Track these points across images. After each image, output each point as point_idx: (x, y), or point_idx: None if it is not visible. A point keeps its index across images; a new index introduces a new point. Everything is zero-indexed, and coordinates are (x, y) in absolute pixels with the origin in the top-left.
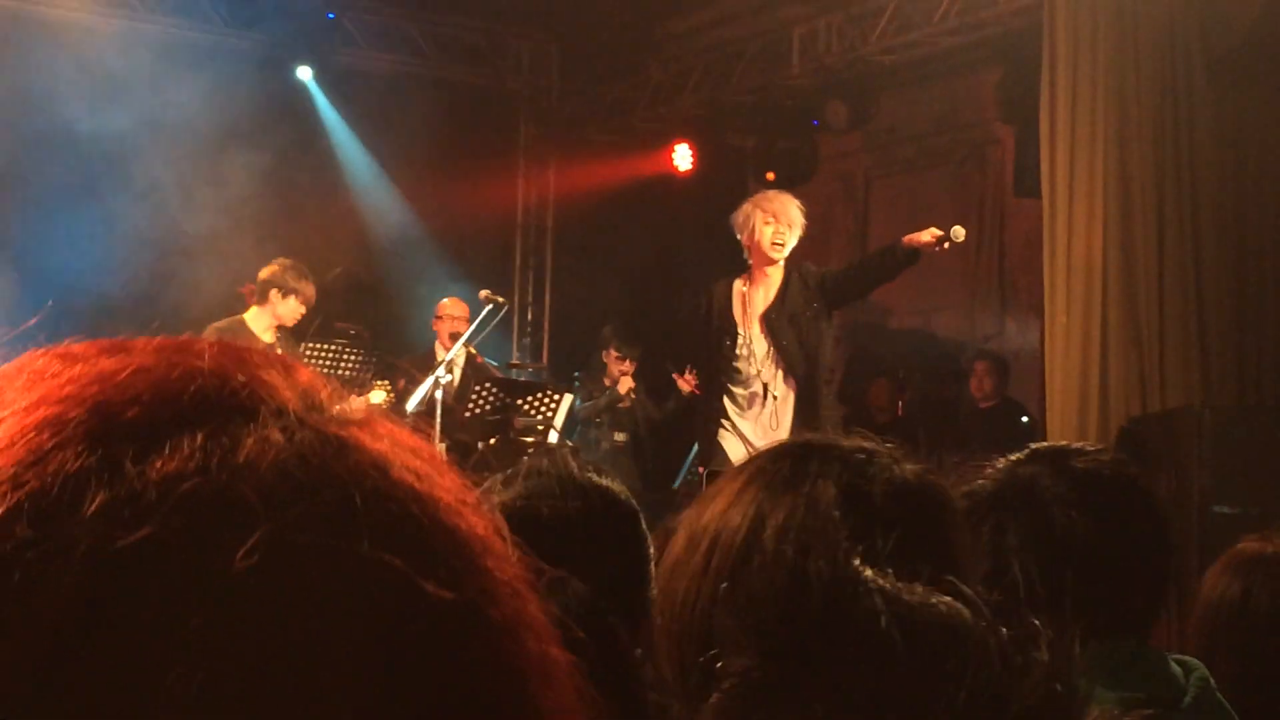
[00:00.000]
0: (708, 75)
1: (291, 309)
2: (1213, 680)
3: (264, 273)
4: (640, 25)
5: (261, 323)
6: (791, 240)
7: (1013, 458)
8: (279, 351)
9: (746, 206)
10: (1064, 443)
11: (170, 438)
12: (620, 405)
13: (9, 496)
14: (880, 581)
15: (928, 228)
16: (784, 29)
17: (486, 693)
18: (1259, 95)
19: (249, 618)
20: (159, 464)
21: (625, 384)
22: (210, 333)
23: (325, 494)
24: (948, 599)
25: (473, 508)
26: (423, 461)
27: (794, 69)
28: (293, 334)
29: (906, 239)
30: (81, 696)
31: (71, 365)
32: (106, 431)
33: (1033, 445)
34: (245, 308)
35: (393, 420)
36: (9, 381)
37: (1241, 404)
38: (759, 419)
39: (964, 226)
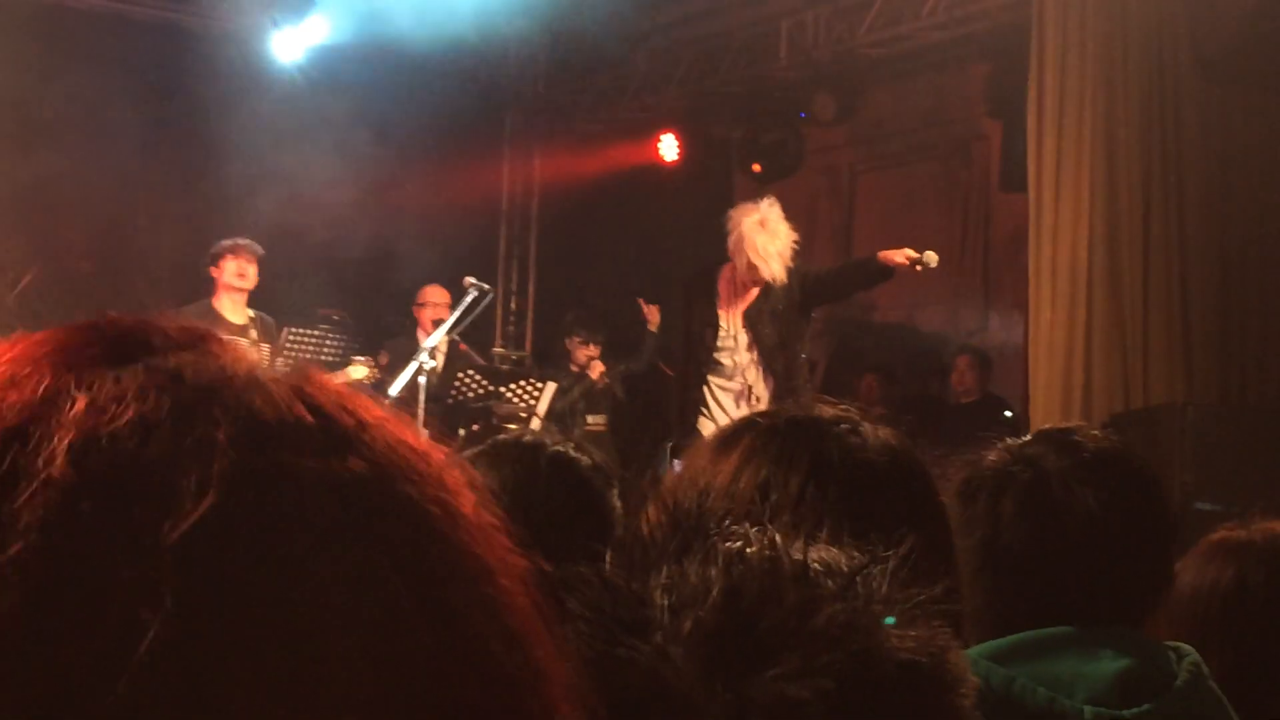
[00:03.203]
0: (694, 66)
1: (237, 266)
2: (1205, 666)
3: (204, 265)
4: (627, 15)
5: (229, 304)
6: (769, 275)
7: (1019, 440)
8: (254, 335)
9: (746, 228)
10: (1069, 425)
11: (139, 361)
12: (595, 388)
13: None
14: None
15: (908, 237)
16: (772, 21)
17: (461, 570)
18: (1247, 94)
19: (237, 483)
20: (133, 377)
21: (597, 368)
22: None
23: (296, 403)
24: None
25: (436, 445)
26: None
27: (781, 61)
28: (273, 320)
29: (882, 255)
30: (79, 561)
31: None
32: (75, 361)
33: (1040, 429)
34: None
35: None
36: None
37: (1225, 401)
38: (738, 414)
39: (949, 221)
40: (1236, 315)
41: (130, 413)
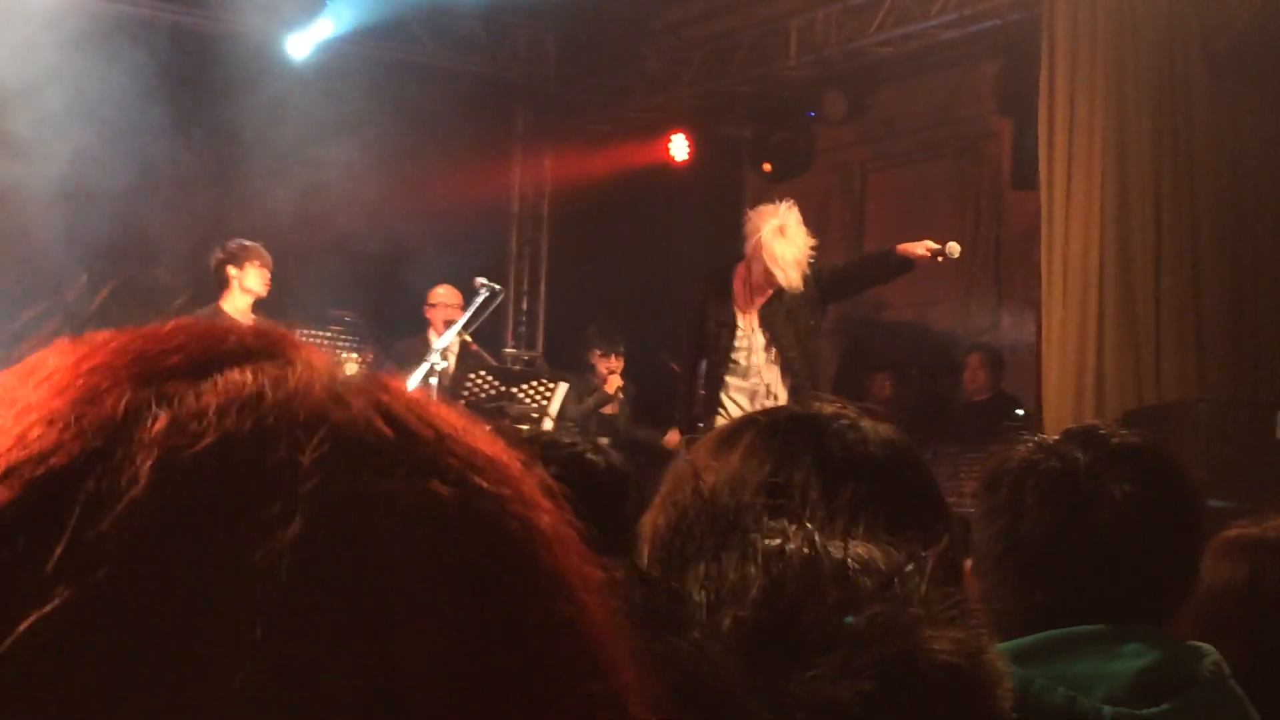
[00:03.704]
0: (705, 65)
1: (255, 276)
2: (1226, 665)
3: (212, 261)
4: (637, 15)
5: (236, 306)
6: (785, 283)
7: (1049, 437)
8: None
9: (765, 236)
10: (1095, 423)
11: (219, 374)
12: (605, 410)
13: (73, 425)
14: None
15: (921, 231)
16: (782, 20)
17: (540, 593)
18: (1258, 90)
19: (320, 505)
20: (214, 392)
21: (613, 382)
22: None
23: (376, 417)
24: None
25: (508, 449)
26: (456, 413)
27: (791, 60)
28: (279, 320)
29: (901, 248)
30: (162, 585)
31: (95, 344)
32: (155, 373)
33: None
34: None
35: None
36: (44, 358)
37: (1237, 398)
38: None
39: (961, 219)
40: (1249, 311)
41: (213, 433)
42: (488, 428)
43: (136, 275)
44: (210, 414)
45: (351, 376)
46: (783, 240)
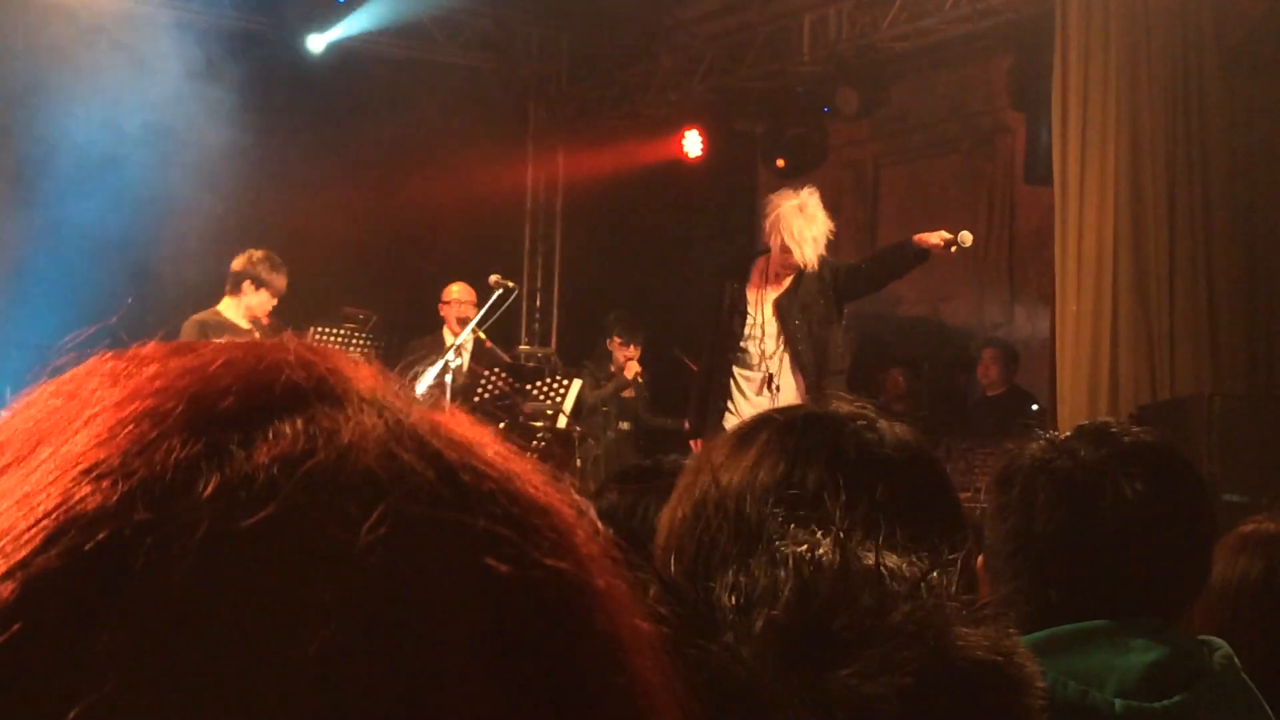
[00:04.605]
0: (718, 61)
1: (262, 301)
2: (1237, 659)
3: (236, 263)
4: (650, 11)
5: (237, 312)
6: (801, 259)
7: (1060, 435)
8: (257, 336)
9: (784, 211)
10: (1106, 419)
11: (270, 424)
12: (624, 394)
13: (121, 484)
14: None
15: (934, 224)
16: (795, 16)
17: (595, 659)
18: (1271, 84)
19: (375, 591)
20: (265, 448)
21: (632, 369)
22: (190, 325)
23: (430, 471)
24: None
25: (555, 486)
26: (503, 445)
27: (804, 55)
28: (288, 320)
29: (917, 238)
30: (211, 674)
31: (146, 365)
32: (206, 421)
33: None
34: (220, 299)
35: (455, 408)
36: (83, 383)
37: (1251, 392)
38: (762, 408)
39: (974, 214)
40: (1263, 305)
41: (263, 505)
42: (538, 466)
43: (156, 271)
44: (260, 479)
45: (405, 416)
46: (801, 217)
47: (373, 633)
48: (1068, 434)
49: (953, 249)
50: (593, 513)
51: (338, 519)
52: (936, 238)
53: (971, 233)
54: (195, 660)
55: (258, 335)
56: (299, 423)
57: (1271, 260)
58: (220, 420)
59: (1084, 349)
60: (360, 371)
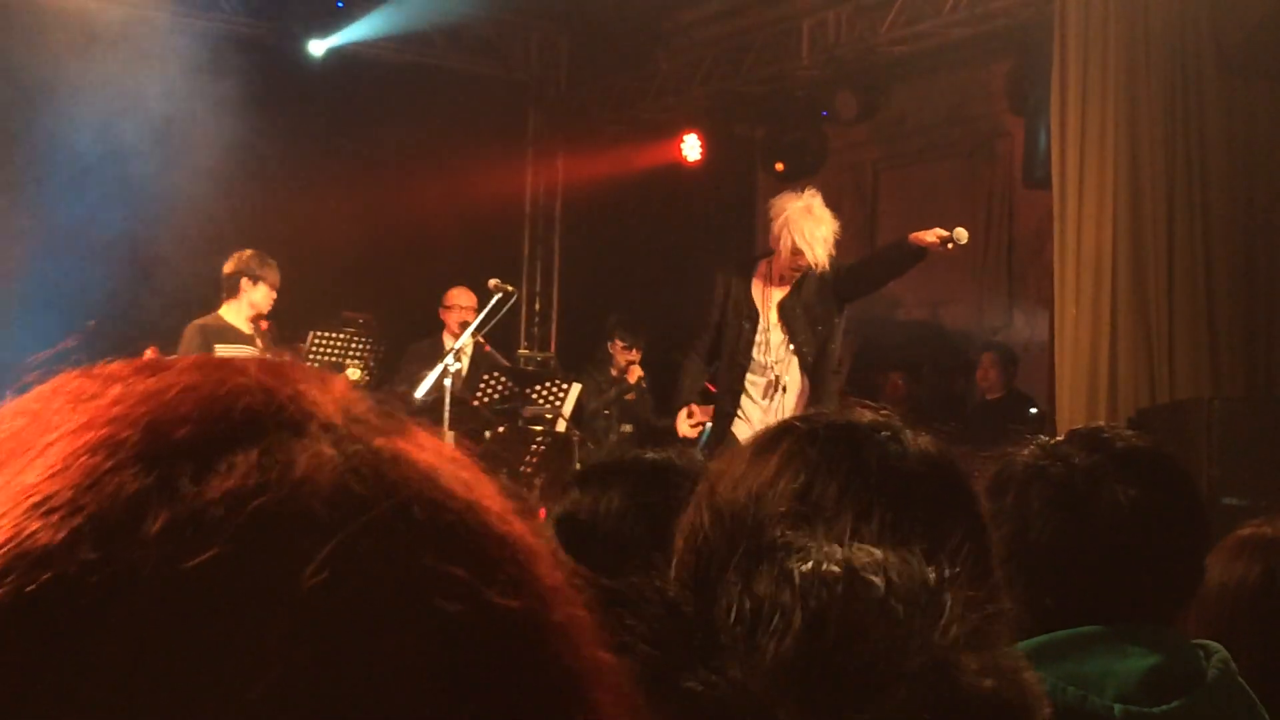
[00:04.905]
0: (717, 66)
1: (264, 295)
2: (1234, 663)
3: (228, 266)
4: (649, 16)
5: (239, 315)
6: (813, 260)
7: (1052, 439)
8: (259, 345)
9: (792, 214)
10: (1100, 424)
11: (224, 456)
12: (627, 397)
13: (69, 520)
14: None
15: (933, 227)
16: (793, 20)
17: (550, 697)
18: (1270, 87)
19: (321, 634)
20: (216, 483)
21: (634, 373)
22: (192, 330)
23: (383, 506)
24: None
25: (518, 515)
26: (467, 471)
27: (803, 60)
28: (289, 323)
29: (913, 237)
30: (158, 716)
31: (110, 385)
32: (160, 452)
33: (1071, 429)
34: (220, 303)
35: (430, 430)
36: (48, 403)
37: (1250, 396)
38: (769, 409)
39: (973, 218)
40: (1262, 309)
41: (210, 544)
42: (497, 484)
43: (150, 273)
44: (209, 516)
45: (367, 443)
46: (810, 219)
47: (317, 677)
48: (1060, 439)
49: (949, 245)
50: (557, 549)
51: (284, 559)
52: (932, 235)
53: (970, 236)
54: (138, 705)
55: (259, 341)
56: (254, 454)
57: (1270, 262)
58: (174, 451)
59: (1083, 352)
60: (328, 393)
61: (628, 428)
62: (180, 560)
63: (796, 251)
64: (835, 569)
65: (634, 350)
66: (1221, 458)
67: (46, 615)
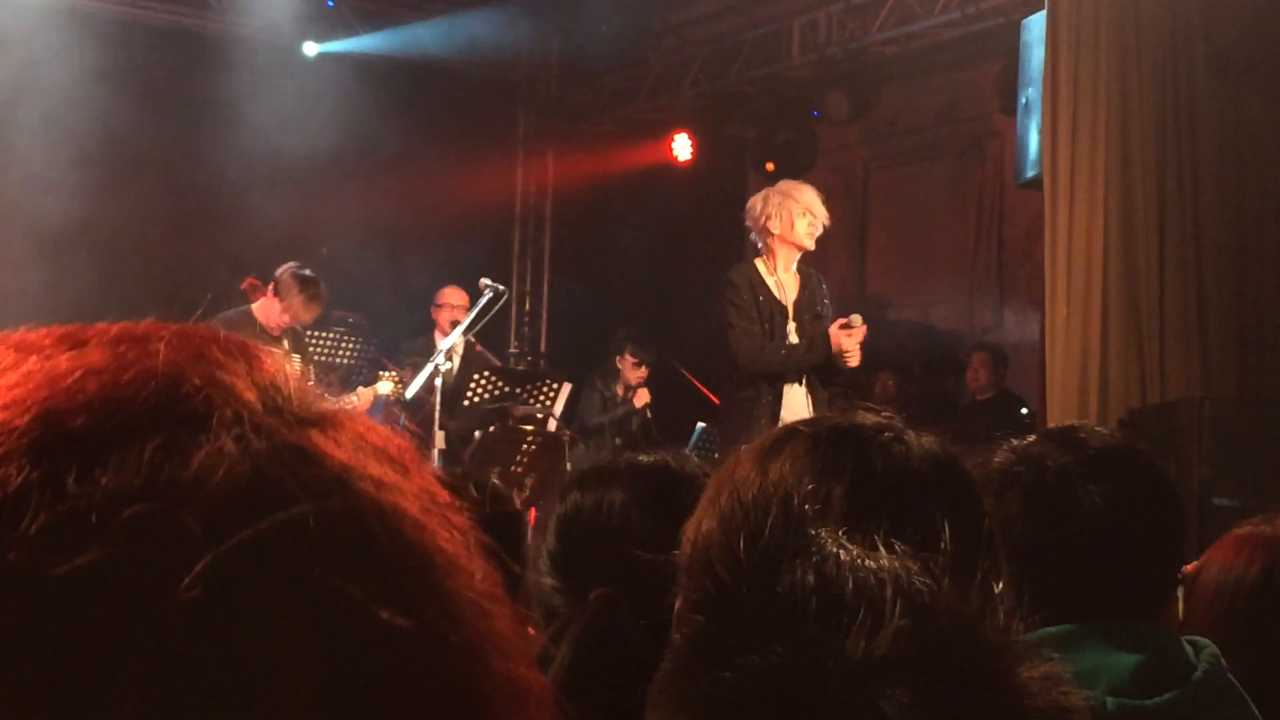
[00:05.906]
0: (708, 66)
1: (295, 312)
2: (1223, 660)
3: (279, 270)
4: (640, 15)
5: (271, 315)
6: (823, 219)
7: (1024, 440)
8: (284, 343)
9: (775, 198)
10: (1074, 423)
11: (117, 450)
12: (633, 421)
13: None
14: (830, 546)
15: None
16: (784, 20)
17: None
18: (1261, 87)
19: (193, 653)
20: (103, 480)
21: (642, 397)
22: (215, 323)
23: (276, 515)
24: (884, 563)
25: (439, 516)
26: (388, 465)
27: (794, 60)
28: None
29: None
30: None
31: (25, 357)
32: (52, 443)
33: (1045, 429)
34: (250, 299)
35: (357, 417)
36: None
37: (1242, 396)
38: (790, 405)
39: (963, 218)
40: (1253, 309)
41: (80, 553)
42: (425, 466)
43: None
44: (88, 518)
45: (278, 439)
46: (799, 192)
47: (187, 698)
48: (1032, 439)
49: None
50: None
51: (159, 570)
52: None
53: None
54: None
55: (285, 344)
56: (147, 450)
57: (1262, 262)
58: (67, 443)
59: (1074, 352)
60: (252, 377)
61: (619, 442)
62: (51, 565)
63: (802, 215)
64: (856, 565)
65: (643, 367)
66: (1212, 458)
67: None
